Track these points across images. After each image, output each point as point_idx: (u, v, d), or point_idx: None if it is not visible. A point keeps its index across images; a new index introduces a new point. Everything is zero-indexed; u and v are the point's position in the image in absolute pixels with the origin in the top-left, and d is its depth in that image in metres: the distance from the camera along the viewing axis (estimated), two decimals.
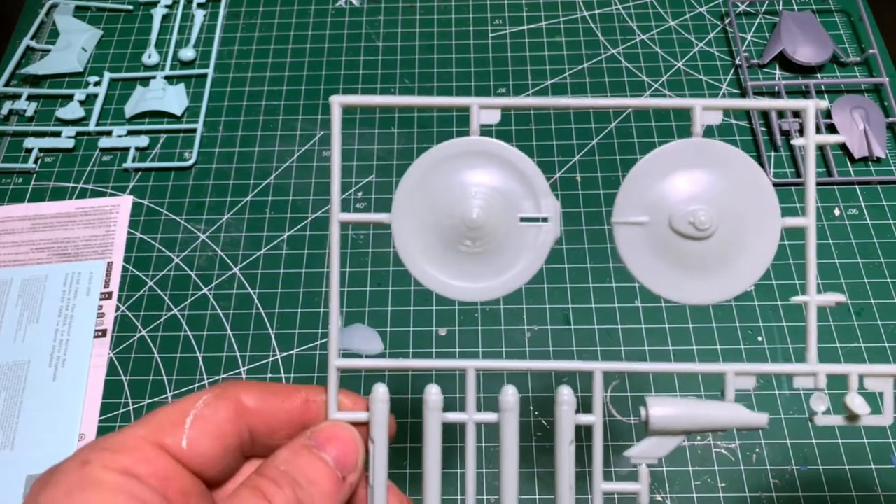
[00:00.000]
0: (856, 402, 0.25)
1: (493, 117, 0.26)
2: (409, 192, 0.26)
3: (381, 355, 0.28)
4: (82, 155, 0.51)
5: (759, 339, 0.42)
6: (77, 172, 0.50)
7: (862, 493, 0.38)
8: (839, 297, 0.26)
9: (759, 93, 0.52)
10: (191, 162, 0.50)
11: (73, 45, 0.56)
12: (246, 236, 0.47)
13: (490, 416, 0.26)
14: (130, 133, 0.52)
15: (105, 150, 0.51)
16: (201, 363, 0.43)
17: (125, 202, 0.49)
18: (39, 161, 0.51)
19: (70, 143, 0.51)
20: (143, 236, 0.48)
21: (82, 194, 0.50)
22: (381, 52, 0.56)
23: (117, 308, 0.45)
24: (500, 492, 0.26)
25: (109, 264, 0.47)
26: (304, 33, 0.57)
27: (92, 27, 0.58)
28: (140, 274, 0.46)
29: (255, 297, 0.45)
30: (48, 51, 0.56)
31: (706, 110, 0.26)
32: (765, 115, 0.50)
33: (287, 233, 0.47)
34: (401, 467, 0.39)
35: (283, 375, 0.42)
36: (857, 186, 0.48)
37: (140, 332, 0.44)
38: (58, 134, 0.52)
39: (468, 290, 0.26)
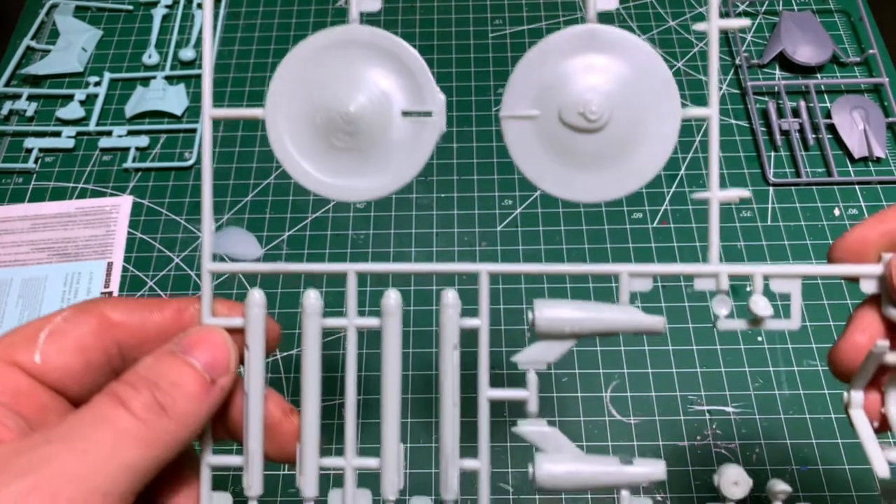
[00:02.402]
0: (759, 305, 0.25)
1: (374, 5, 0.24)
2: (282, 86, 0.24)
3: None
4: (82, 155, 0.51)
5: (759, 339, 0.42)
6: (77, 172, 0.51)
7: (861, 493, 0.38)
8: (743, 193, 0.25)
9: (760, 93, 0.52)
10: (191, 162, 0.50)
11: (74, 45, 0.56)
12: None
13: (371, 322, 0.25)
14: (130, 133, 0.52)
15: (105, 150, 0.51)
16: None
17: (125, 202, 0.49)
18: (39, 161, 0.51)
19: (70, 143, 0.51)
20: (143, 236, 0.48)
21: (82, 194, 0.50)
22: None
23: None
24: (381, 398, 0.25)
25: (109, 264, 0.47)
26: (304, 33, 0.57)
27: (92, 27, 0.58)
28: (140, 274, 0.46)
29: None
30: (48, 51, 0.56)
31: None
32: (765, 115, 0.50)
33: (287, 233, 0.47)
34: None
35: (283, 375, 0.42)
36: (856, 186, 0.48)
37: None
38: (58, 134, 0.52)
39: (347, 188, 0.24)
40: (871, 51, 0.52)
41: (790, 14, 0.54)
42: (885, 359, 0.24)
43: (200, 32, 0.57)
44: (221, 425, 0.25)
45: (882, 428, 0.25)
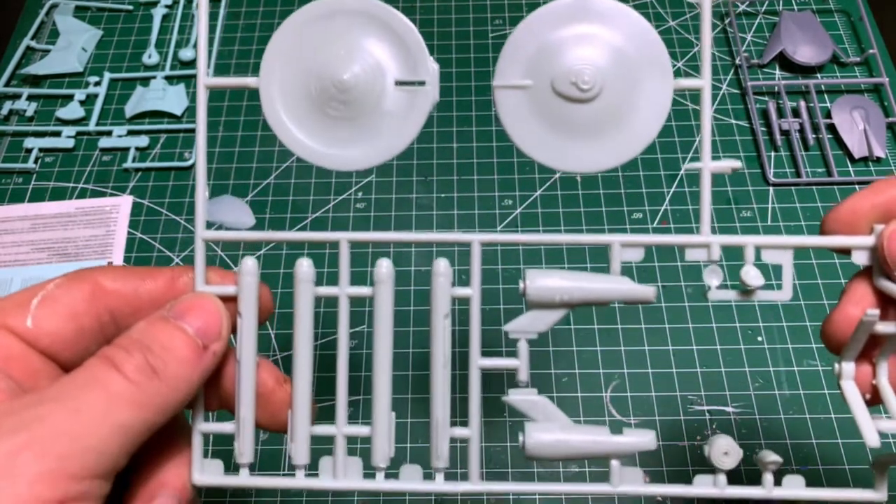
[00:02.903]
0: (750, 275, 0.24)
1: None
2: (276, 55, 0.24)
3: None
4: (82, 155, 0.51)
5: (759, 339, 0.42)
6: (77, 172, 0.51)
7: None
8: (735, 164, 0.25)
9: (760, 93, 0.52)
10: (191, 162, 0.50)
11: (74, 45, 0.56)
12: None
13: (364, 290, 0.25)
14: (130, 133, 0.52)
15: (105, 150, 0.51)
16: None
17: (125, 202, 0.49)
18: (39, 161, 0.51)
19: (70, 143, 0.51)
20: (143, 236, 0.48)
21: (82, 194, 0.50)
22: None
23: None
24: (373, 366, 0.25)
25: (109, 264, 0.47)
26: None
27: (92, 27, 0.58)
28: None
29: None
30: (48, 51, 0.56)
31: None
32: (765, 115, 0.50)
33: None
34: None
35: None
36: (857, 187, 0.48)
37: None
38: (58, 134, 0.52)
39: (340, 157, 0.24)
40: (871, 51, 0.52)
41: (790, 14, 0.54)
42: (876, 328, 0.23)
43: None
44: (214, 395, 0.25)
45: (874, 401, 0.25)
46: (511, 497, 0.38)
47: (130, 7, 0.59)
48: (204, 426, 0.25)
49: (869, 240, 0.24)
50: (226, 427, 0.25)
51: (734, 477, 0.25)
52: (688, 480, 0.26)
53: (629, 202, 0.47)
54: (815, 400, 0.40)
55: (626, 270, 0.25)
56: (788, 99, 0.51)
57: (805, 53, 0.52)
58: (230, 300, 0.25)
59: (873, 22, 0.54)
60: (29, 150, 0.51)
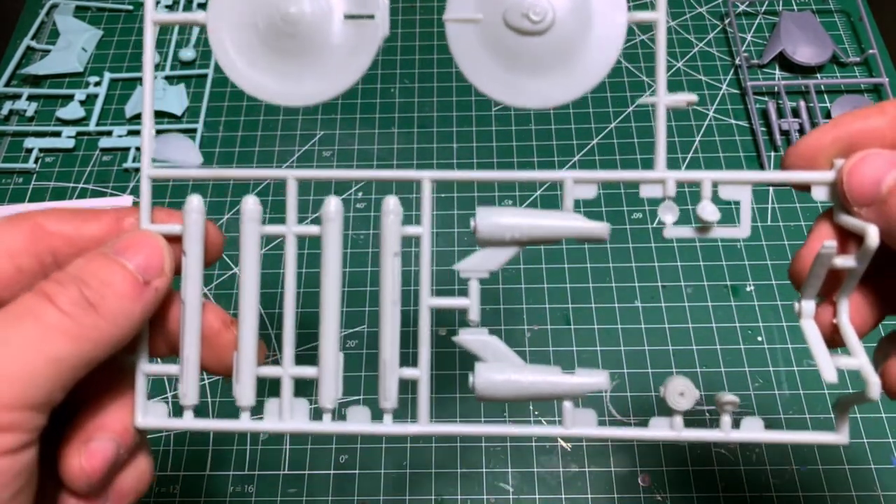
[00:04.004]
0: (707, 210, 0.24)
1: None
2: None
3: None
4: (82, 155, 0.51)
5: (759, 338, 0.42)
6: (77, 172, 0.51)
7: (862, 493, 0.38)
8: (691, 97, 0.24)
9: (759, 93, 0.52)
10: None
11: (74, 45, 0.56)
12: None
13: (312, 229, 0.24)
14: (131, 133, 0.52)
15: (105, 151, 0.51)
16: None
17: (125, 202, 0.49)
18: (40, 161, 0.51)
19: (70, 144, 0.51)
20: None
21: (82, 194, 0.50)
22: (381, 51, 0.55)
23: None
24: (320, 305, 0.24)
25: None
26: None
27: (92, 27, 0.58)
28: None
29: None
30: (48, 51, 0.56)
31: None
32: (765, 115, 0.50)
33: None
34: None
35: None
36: None
37: None
38: (58, 134, 0.52)
39: (290, 93, 0.24)
40: (870, 51, 0.52)
41: (790, 14, 0.54)
42: (835, 262, 0.23)
43: (201, 32, 0.57)
44: (162, 339, 0.25)
45: (836, 343, 0.24)
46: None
47: (130, 7, 0.59)
48: (148, 367, 0.24)
49: (829, 175, 0.24)
50: (171, 369, 0.25)
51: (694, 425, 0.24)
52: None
53: (629, 202, 0.47)
54: (815, 400, 0.40)
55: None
56: (788, 99, 0.51)
57: (805, 53, 0.52)
58: (177, 240, 0.24)
59: (873, 22, 0.54)
60: (29, 151, 0.51)
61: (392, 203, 0.24)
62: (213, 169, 0.26)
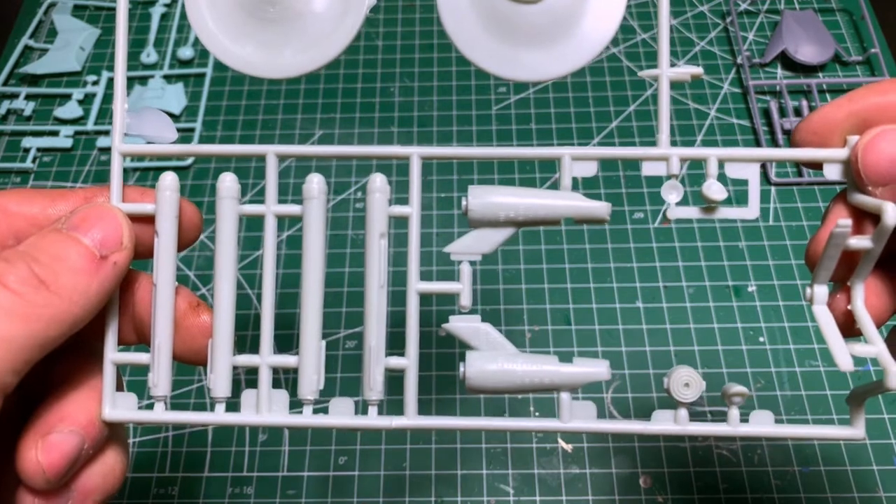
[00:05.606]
0: (713, 189, 0.22)
1: None
2: None
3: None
4: (80, 154, 0.51)
5: (761, 339, 0.42)
6: (75, 172, 0.50)
7: (863, 494, 0.37)
8: (695, 70, 0.23)
9: (761, 92, 0.51)
10: (189, 162, 0.50)
11: (72, 44, 0.56)
12: (245, 236, 0.47)
13: (292, 209, 0.23)
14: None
15: (103, 150, 0.51)
16: None
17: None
18: (37, 161, 0.51)
19: (68, 143, 0.51)
20: None
21: None
22: (381, 51, 0.55)
23: None
24: (301, 290, 0.23)
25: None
26: None
27: (90, 26, 0.57)
28: None
29: (253, 298, 0.45)
30: (46, 50, 0.56)
31: None
32: (766, 114, 0.50)
33: (287, 233, 0.47)
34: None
35: (282, 377, 0.42)
36: None
37: None
38: (56, 133, 0.52)
39: (271, 64, 0.23)
40: (873, 50, 0.52)
41: (792, 13, 0.54)
42: (849, 243, 0.21)
43: None
44: (130, 325, 0.24)
45: (850, 332, 0.23)
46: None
47: (129, 6, 0.58)
48: (116, 356, 0.23)
49: (842, 152, 0.22)
50: (141, 357, 0.23)
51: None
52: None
53: (630, 202, 0.47)
54: (816, 401, 0.40)
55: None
56: (790, 98, 0.50)
57: (807, 52, 0.52)
58: (149, 219, 0.23)
59: (875, 21, 0.54)
60: (27, 150, 0.51)
61: (379, 181, 0.23)
62: (189, 145, 0.25)
